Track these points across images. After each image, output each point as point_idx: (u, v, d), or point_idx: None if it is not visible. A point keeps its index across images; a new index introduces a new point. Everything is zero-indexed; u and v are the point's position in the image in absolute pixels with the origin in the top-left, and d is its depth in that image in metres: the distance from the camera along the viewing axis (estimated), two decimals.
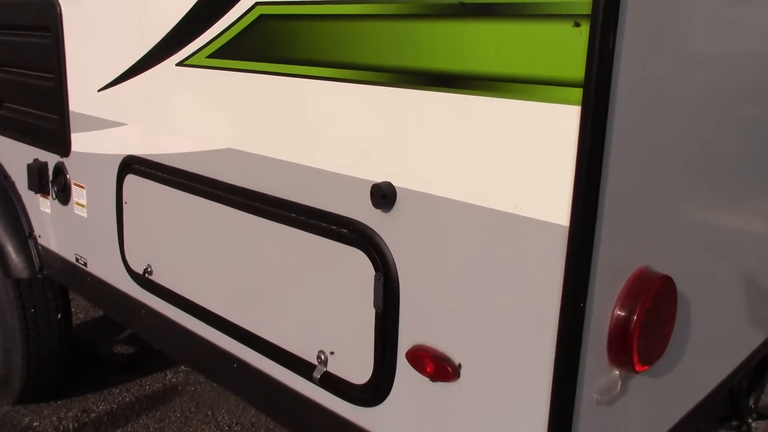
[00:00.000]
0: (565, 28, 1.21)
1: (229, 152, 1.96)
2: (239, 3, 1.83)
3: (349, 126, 1.61)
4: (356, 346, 1.68)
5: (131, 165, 2.37)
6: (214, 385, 3.73)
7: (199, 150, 2.07)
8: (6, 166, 3.25)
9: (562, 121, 1.23)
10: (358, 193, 1.60)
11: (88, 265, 2.75)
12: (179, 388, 3.74)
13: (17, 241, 3.10)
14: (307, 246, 1.75)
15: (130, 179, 2.39)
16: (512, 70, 1.29)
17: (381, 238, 1.58)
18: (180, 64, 2.08)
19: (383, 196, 1.53)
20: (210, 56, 1.97)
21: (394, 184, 1.53)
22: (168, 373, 3.87)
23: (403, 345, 1.58)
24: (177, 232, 2.22)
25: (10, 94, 3.08)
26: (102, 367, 3.87)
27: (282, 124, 1.78)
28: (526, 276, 1.33)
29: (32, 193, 3.03)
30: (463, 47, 1.35)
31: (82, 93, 2.60)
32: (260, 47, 1.80)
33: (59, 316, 3.25)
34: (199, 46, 1.99)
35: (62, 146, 2.75)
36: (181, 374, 3.86)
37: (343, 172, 1.64)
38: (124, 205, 2.44)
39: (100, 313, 4.48)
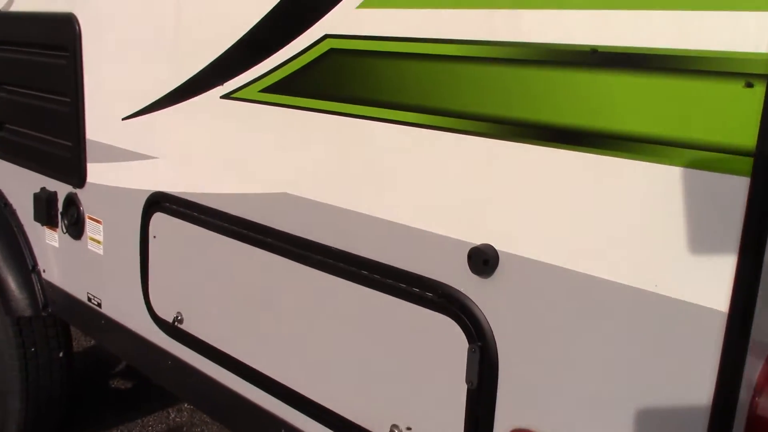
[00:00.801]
0: (733, 87, 1.05)
1: (284, 197, 1.77)
2: (303, 35, 1.66)
3: (441, 179, 1.43)
4: (441, 423, 1.50)
5: (160, 202, 2.17)
6: (222, 427, 3.51)
7: (246, 192, 1.88)
8: (6, 193, 3.02)
9: (725, 193, 1.07)
10: (451, 254, 1.42)
11: (102, 306, 2.52)
12: (184, 428, 3.51)
13: (19, 276, 2.86)
14: (382, 308, 1.57)
15: (159, 218, 2.18)
16: (661, 131, 1.13)
17: (477, 306, 1.41)
18: (226, 96, 1.89)
19: (485, 261, 1.36)
20: (264, 90, 1.78)
21: (496, 248, 1.36)
22: (171, 411, 3.64)
23: (501, 427, 1.41)
24: (217, 280, 2.01)
25: (15, 115, 2.85)
26: (99, 403, 3.63)
27: (355, 170, 1.60)
28: (667, 364, 1.17)
29: (37, 224, 2.80)
30: (598, 101, 1.19)
31: (103, 120, 2.39)
32: (330, 84, 1.63)
33: (61, 354, 3.01)
34: (251, 79, 1.81)
35: (76, 176, 2.53)
36: (185, 413, 3.64)
37: (432, 230, 1.46)
38: (150, 246, 2.23)
39: (92, 342, 4.23)
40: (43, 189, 2.73)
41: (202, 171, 2.02)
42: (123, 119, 2.27)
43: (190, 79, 1.99)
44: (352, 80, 1.58)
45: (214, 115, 1.94)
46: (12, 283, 2.84)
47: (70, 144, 2.52)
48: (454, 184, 1.42)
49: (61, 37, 2.46)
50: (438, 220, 1.45)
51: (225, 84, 1.89)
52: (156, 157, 2.18)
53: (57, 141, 2.60)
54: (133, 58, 2.21)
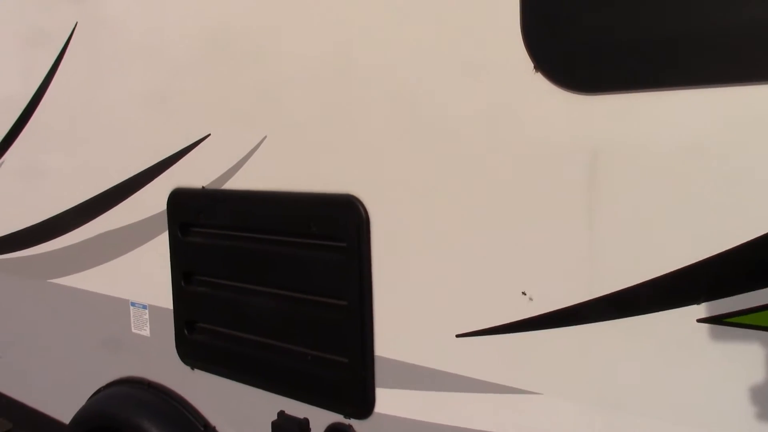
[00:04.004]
0: None
1: None
2: None
3: None
4: None
5: None
6: None
7: None
8: (204, 412, 2.36)
9: None
10: None
11: None
12: None
13: None
14: None
15: None
16: None
17: None
18: (714, 321, 1.31)
19: None
20: None
21: None
22: None
23: None
24: None
25: (233, 315, 2.24)
26: None
27: None
28: None
29: None
30: None
31: (408, 333, 1.79)
32: None
33: None
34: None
35: (354, 403, 1.90)
36: None
37: None
38: None
39: None
40: (282, 415, 2.08)
41: (648, 423, 1.41)
42: (458, 336, 1.68)
43: (622, 291, 1.42)
44: None
45: (678, 345, 1.36)
46: None
47: (345, 361, 1.90)
48: None
49: (336, 224, 1.90)
50: None
51: (707, 303, 1.32)
52: (530, 392, 1.57)
53: (318, 355, 1.98)
54: (480, 253, 1.64)
